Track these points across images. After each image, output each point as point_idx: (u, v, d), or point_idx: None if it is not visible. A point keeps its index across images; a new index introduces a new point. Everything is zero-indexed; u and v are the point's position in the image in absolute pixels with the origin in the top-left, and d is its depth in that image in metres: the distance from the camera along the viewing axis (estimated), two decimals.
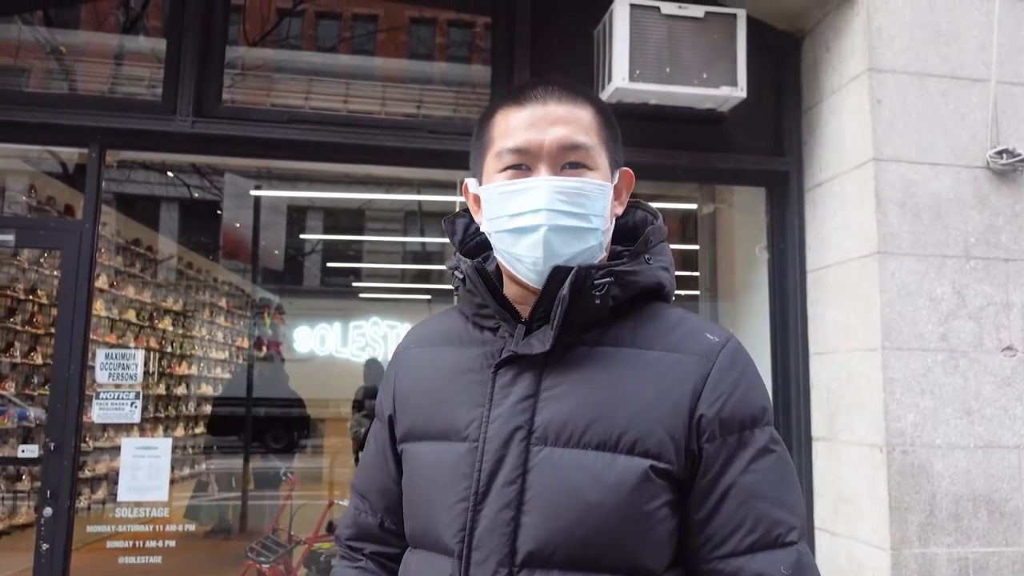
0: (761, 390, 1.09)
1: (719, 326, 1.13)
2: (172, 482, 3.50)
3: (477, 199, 1.16)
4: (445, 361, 1.15)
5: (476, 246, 1.22)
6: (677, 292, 1.18)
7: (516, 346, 1.07)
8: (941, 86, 3.22)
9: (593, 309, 1.06)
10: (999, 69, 3.23)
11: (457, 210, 1.26)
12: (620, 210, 1.18)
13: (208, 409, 7.75)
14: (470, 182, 1.18)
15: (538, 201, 1.05)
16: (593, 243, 1.08)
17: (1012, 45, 3.29)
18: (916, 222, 3.13)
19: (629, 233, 1.20)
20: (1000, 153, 3.17)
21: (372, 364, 6.26)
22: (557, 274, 1.06)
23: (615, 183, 1.15)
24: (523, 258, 1.08)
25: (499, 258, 1.14)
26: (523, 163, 1.09)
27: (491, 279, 1.13)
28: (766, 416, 1.06)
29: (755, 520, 1.01)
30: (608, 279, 1.06)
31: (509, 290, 1.14)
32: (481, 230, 1.16)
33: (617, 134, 1.17)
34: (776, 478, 1.04)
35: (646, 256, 1.12)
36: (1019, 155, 3.16)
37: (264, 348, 7.25)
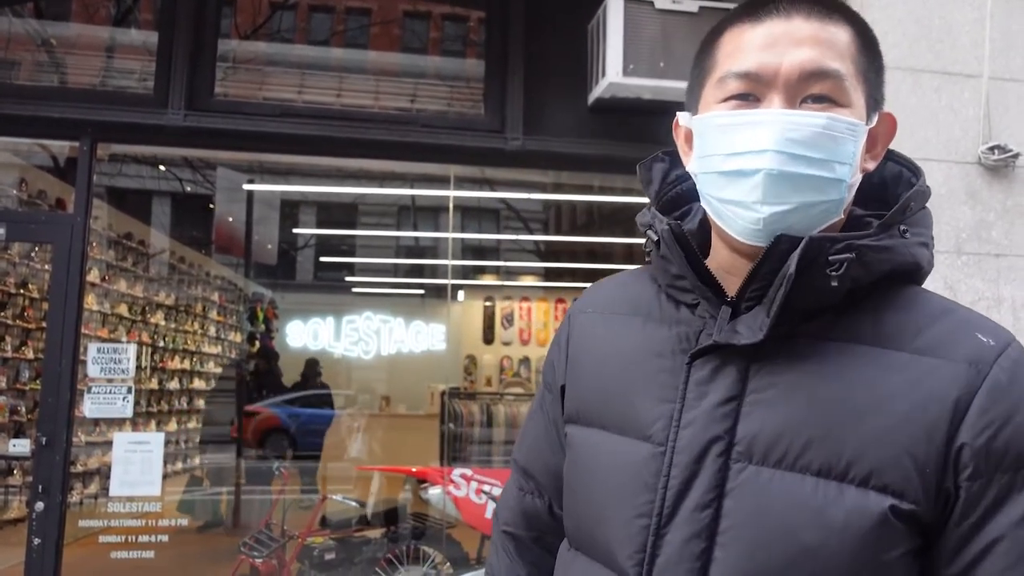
0: None
1: (996, 323, 0.85)
2: (164, 477, 3.49)
3: (688, 136, 0.93)
4: (629, 337, 0.94)
5: (675, 198, 0.99)
6: None
7: (718, 333, 0.85)
8: (934, 82, 3.23)
9: (824, 291, 0.81)
10: (991, 65, 3.24)
11: (657, 154, 1.01)
12: (872, 164, 0.91)
13: (201, 404, 7.74)
14: (682, 116, 0.95)
15: (765, 139, 0.81)
16: (834, 197, 0.83)
17: (1004, 41, 3.30)
18: None
19: (874, 192, 0.93)
20: (992, 149, 3.18)
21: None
22: (779, 243, 0.81)
23: (871, 127, 0.88)
24: (736, 202, 0.84)
25: (706, 208, 0.91)
26: (752, 92, 0.85)
27: (691, 246, 0.89)
28: None
29: None
30: (849, 255, 0.80)
31: (716, 255, 0.92)
32: (688, 170, 0.94)
33: (880, 64, 0.92)
34: None
35: (901, 227, 0.85)
36: (1011, 151, 3.18)
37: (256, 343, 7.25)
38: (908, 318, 0.84)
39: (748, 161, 0.83)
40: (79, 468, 5.17)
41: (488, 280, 8.84)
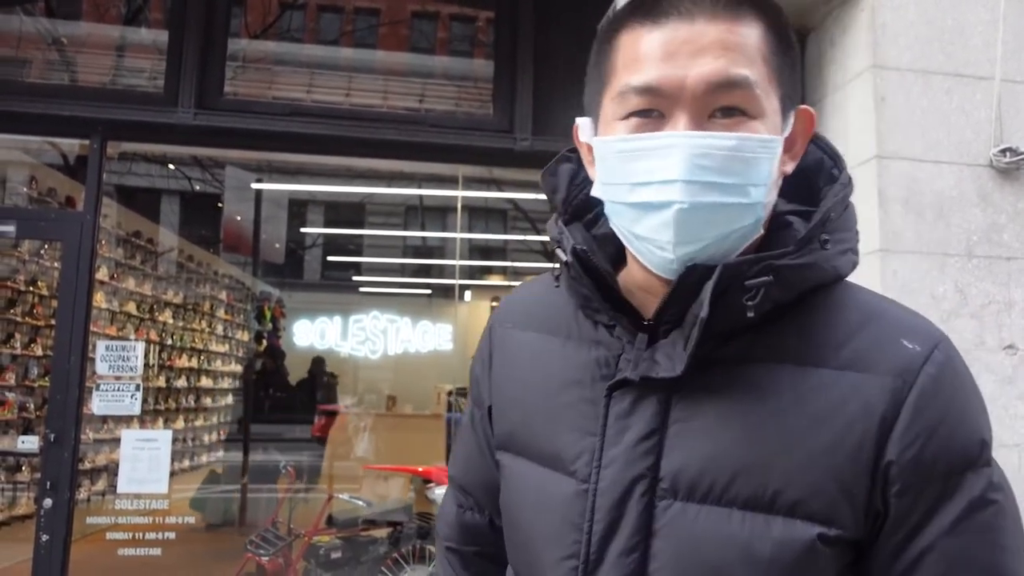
0: (979, 416, 0.78)
1: (924, 321, 0.81)
2: (173, 474, 3.50)
3: (591, 149, 0.85)
4: (548, 360, 0.90)
5: (586, 200, 0.90)
6: None
7: (635, 368, 0.80)
8: (945, 83, 3.21)
9: (745, 316, 0.76)
10: (1003, 67, 3.22)
11: (561, 153, 0.93)
12: (791, 166, 0.84)
13: (208, 402, 7.77)
14: (582, 124, 0.87)
15: (673, 169, 0.74)
16: (750, 221, 0.77)
17: (1017, 43, 3.28)
18: (919, 220, 3.13)
19: (798, 177, 0.86)
20: (1004, 151, 3.16)
21: None
22: (692, 274, 0.77)
23: (788, 133, 0.81)
24: (647, 239, 0.78)
25: (615, 231, 0.84)
26: (655, 108, 0.77)
27: (600, 272, 0.83)
28: (984, 454, 0.76)
29: None
30: (766, 279, 0.75)
31: (632, 271, 0.86)
32: (593, 193, 0.86)
33: (795, 58, 0.83)
34: (994, 540, 0.74)
35: (823, 238, 0.78)
36: (1022, 153, 3.15)
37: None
38: (832, 329, 0.79)
39: (655, 193, 0.76)
40: (87, 465, 5.20)
41: (495, 280, 8.84)
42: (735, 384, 0.78)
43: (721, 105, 0.76)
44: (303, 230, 9.70)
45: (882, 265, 3.07)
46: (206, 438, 7.61)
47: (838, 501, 0.74)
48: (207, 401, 7.83)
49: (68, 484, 3.16)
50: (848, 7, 3.38)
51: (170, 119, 3.35)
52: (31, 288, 5.92)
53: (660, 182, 0.75)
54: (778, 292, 0.77)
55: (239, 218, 6.84)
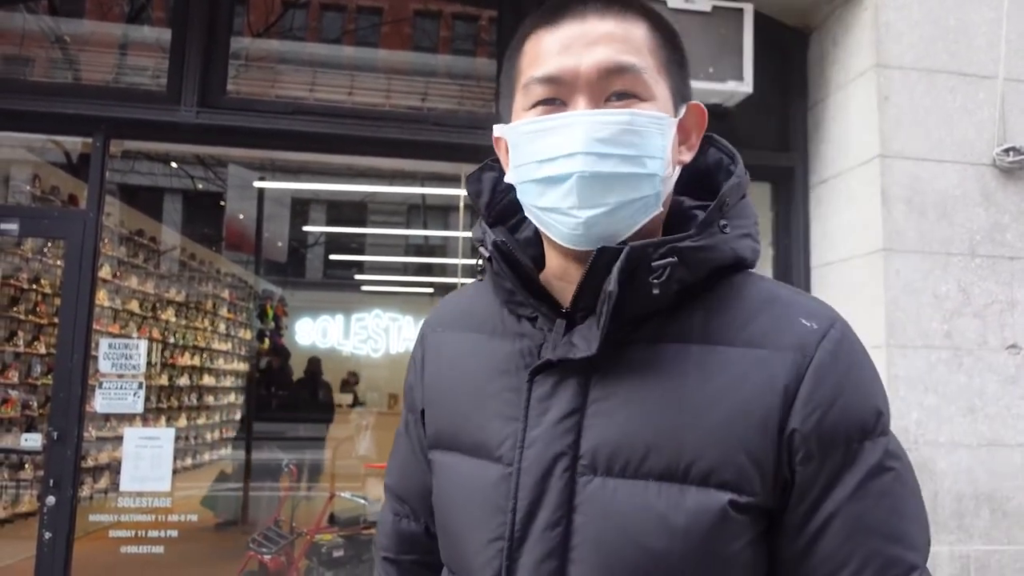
0: (875, 389, 0.84)
1: (820, 303, 0.87)
2: (175, 472, 3.51)
3: (508, 148, 0.92)
4: (477, 355, 0.94)
5: (508, 206, 0.97)
6: None
7: (554, 349, 0.86)
8: (949, 83, 3.21)
9: (653, 297, 0.82)
10: (1007, 66, 3.21)
11: (486, 162, 1.00)
12: (688, 156, 0.92)
13: (210, 400, 7.78)
14: (496, 127, 0.95)
15: (573, 143, 0.82)
16: (648, 192, 0.84)
17: (1021, 42, 3.27)
18: (922, 219, 3.12)
19: (701, 178, 0.94)
20: (1007, 151, 3.15)
21: None
22: (602, 256, 0.82)
23: (680, 118, 0.89)
24: (553, 209, 0.84)
25: (529, 216, 0.91)
26: (556, 96, 0.85)
27: (519, 261, 0.89)
28: (880, 423, 0.82)
29: (863, 560, 0.78)
30: (670, 259, 0.81)
31: (550, 262, 0.93)
32: (507, 180, 0.93)
33: (683, 57, 0.92)
34: (892, 504, 0.80)
35: (721, 223, 0.86)
36: None
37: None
38: (735, 311, 0.85)
39: (559, 166, 0.83)
40: (90, 463, 5.20)
41: None
42: (647, 364, 0.83)
43: (615, 90, 0.84)
44: (305, 228, 9.71)
45: (885, 264, 3.07)
46: (208, 436, 7.62)
47: (748, 469, 0.78)
48: (209, 399, 7.84)
49: (71, 482, 3.17)
50: (851, 6, 3.37)
51: (173, 117, 3.35)
52: (34, 286, 5.93)
53: (563, 156, 0.83)
54: (683, 272, 0.83)
55: (241, 216, 6.84)
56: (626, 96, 0.84)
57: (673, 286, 0.83)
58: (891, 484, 0.81)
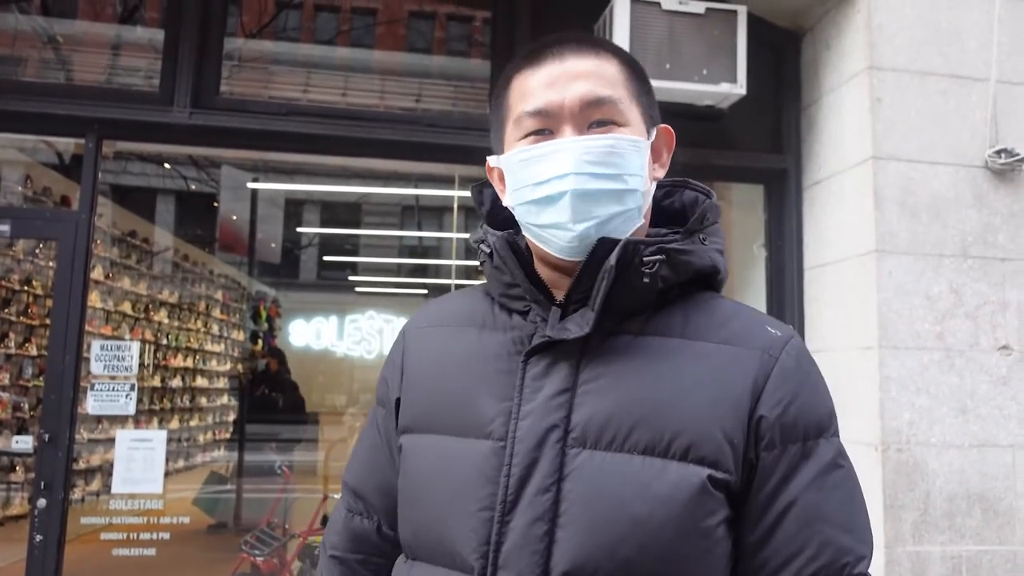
0: (827, 395, 0.96)
1: (777, 320, 1.01)
2: (168, 474, 3.49)
3: (502, 176, 1.04)
4: (464, 345, 1.02)
5: (505, 220, 1.06)
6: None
7: (550, 330, 0.94)
8: (941, 85, 3.22)
9: (640, 290, 0.93)
10: (999, 68, 3.23)
11: (487, 179, 1.11)
12: (661, 173, 1.05)
13: (203, 402, 7.75)
14: (490, 158, 1.06)
15: (564, 165, 0.93)
16: (632, 205, 0.96)
17: (1012, 45, 3.28)
18: (914, 221, 3.13)
19: (676, 216, 1.07)
20: (999, 152, 3.17)
21: None
22: (601, 247, 0.93)
23: (652, 140, 1.02)
24: (551, 225, 0.95)
25: (527, 235, 1.01)
26: (545, 127, 0.97)
27: (523, 253, 1.01)
28: (833, 425, 0.94)
29: (819, 546, 0.87)
30: (659, 257, 0.93)
31: (541, 272, 1.02)
32: (505, 204, 1.03)
33: (649, 87, 1.05)
34: (844, 498, 0.91)
35: (700, 236, 0.99)
36: (1018, 155, 3.16)
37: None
38: (711, 316, 0.97)
39: (554, 186, 0.94)
40: (81, 465, 5.18)
41: None
42: (634, 352, 0.94)
43: (595, 119, 0.96)
44: (299, 230, 9.68)
45: (877, 266, 3.08)
46: (201, 438, 7.59)
47: (723, 447, 0.88)
48: (202, 401, 7.81)
49: (62, 484, 3.15)
50: (843, 8, 3.38)
51: (166, 118, 3.34)
52: (26, 287, 5.90)
53: (556, 177, 0.94)
54: (668, 271, 0.95)
55: (235, 218, 6.83)
56: (605, 123, 0.97)
57: (658, 282, 0.94)
58: (843, 479, 0.92)
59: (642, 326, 0.95)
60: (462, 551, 0.91)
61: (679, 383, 0.91)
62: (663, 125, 1.05)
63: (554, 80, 0.97)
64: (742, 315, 0.98)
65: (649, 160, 1.00)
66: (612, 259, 0.91)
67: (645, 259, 0.92)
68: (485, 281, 1.07)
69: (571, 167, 0.93)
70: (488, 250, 1.01)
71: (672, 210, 1.08)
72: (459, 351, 1.02)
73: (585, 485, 0.88)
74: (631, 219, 0.96)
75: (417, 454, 1.00)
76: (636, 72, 1.02)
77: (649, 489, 0.86)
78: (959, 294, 3.12)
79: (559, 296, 0.98)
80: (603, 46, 1.02)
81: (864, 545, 0.90)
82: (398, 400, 1.06)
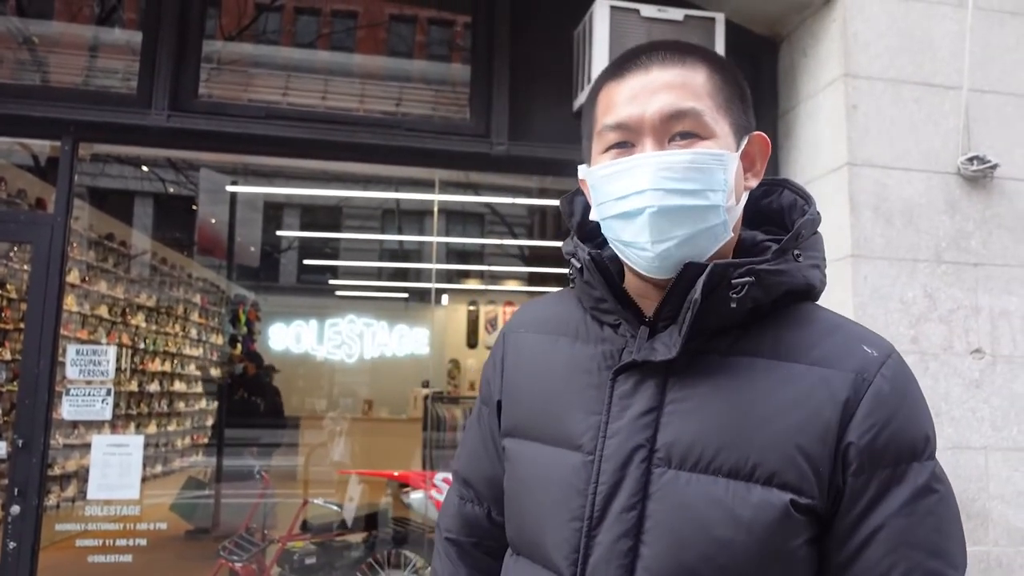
0: (925, 417, 0.92)
1: (879, 336, 0.96)
2: (145, 480, 3.46)
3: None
4: (559, 355, 1.03)
5: (596, 227, 1.05)
6: None
7: (638, 351, 0.95)
8: (915, 93, 3.27)
9: (729, 312, 0.92)
10: (971, 77, 3.29)
11: (578, 188, 1.11)
12: (754, 182, 1.02)
13: (181, 407, 7.68)
14: (580, 169, 1.05)
15: (642, 181, 0.92)
16: (715, 222, 0.93)
17: (984, 54, 3.35)
18: (888, 226, 3.18)
19: (775, 216, 1.05)
20: (971, 160, 3.22)
21: None
22: (688, 271, 0.92)
23: (743, 149, 0.98)
24: (631, 244, 0.95)
25: (613, 247, 1.01)
26: (627, 140, 0.96)
27: (610, 271, 1.00)
28: (929, 448, 0.90)
29: (905, 570, 0.86)
30: (748, 279, 0.90)
31: (630, 282, 1.02)
32: (591, 218, 1.03)
33: (744, 92, 1.01)
34: (936, 523, 0.87)
35: (795, 252, 0.96)
36: (989, 162, 3.22)
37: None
38: (804, 334, 0.94)
39: (632, 202, 0.93)
40: (56, 471, 5.11)
41: (472, 284, 8.83)
42: (721, 372, 0.92)
43: (677, 131, 0.94)
44: (279, 233, 9.63)
45: (853, 271, 3.12)
46: (179, 443, 7.51)
47: (807, 474, 0.86)
48: (180, 405, 7.73)
49: (36, 490, 3.11)
50: (819, 17, 3.43)
51: (143, 121, 3.31)
52: (0, 291, 5.82)
53: (635, 193, 0.92)
54: (758, 292, 0.92)
55: (214, 221, 6.77)
56: (688, 136, 0.94)
57: (748, 304, 0.92)
58: (936, 504, 0.88)
59: (731, 345, 0.94)
60: (555, 556, 0.94)
61: (765, 407, 0.89)
62: (757, 132, 1.02)
63: (637, 93, 0.96)
64: (838, 333, 0.94)
65: (739, 171, 0.97)
66: (698, 291, 0.89)
67: (733, 282, 0.90)
68: (577, 292, 1.07)
69: (649, 183, 0.91)
70: (579, 264, 1.02)
71: (770, 210, 1.06)
72: (553, 361, 1.04)
73: (669, 505, 0.89)
74: (716, 236, 0.94)
75: (519, 459, 1.04)
76: (728, 78, 0.99)
77: (733, 512, 0.86)
78: (933, 298, 3.17)
79: (648, 309, 0.98)
80: (692, 53, 0.98)
81: (955, 571, 0.87)
82: (499, 402, 1.10)
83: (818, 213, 1.00)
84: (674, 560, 0.87)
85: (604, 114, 0.99)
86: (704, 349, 0.93)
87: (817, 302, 1.01)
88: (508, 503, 1.06)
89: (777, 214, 1.05)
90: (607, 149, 0.98)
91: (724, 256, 0.97)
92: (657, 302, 0.96)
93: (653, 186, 0.91)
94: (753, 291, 0.91)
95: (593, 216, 1.02)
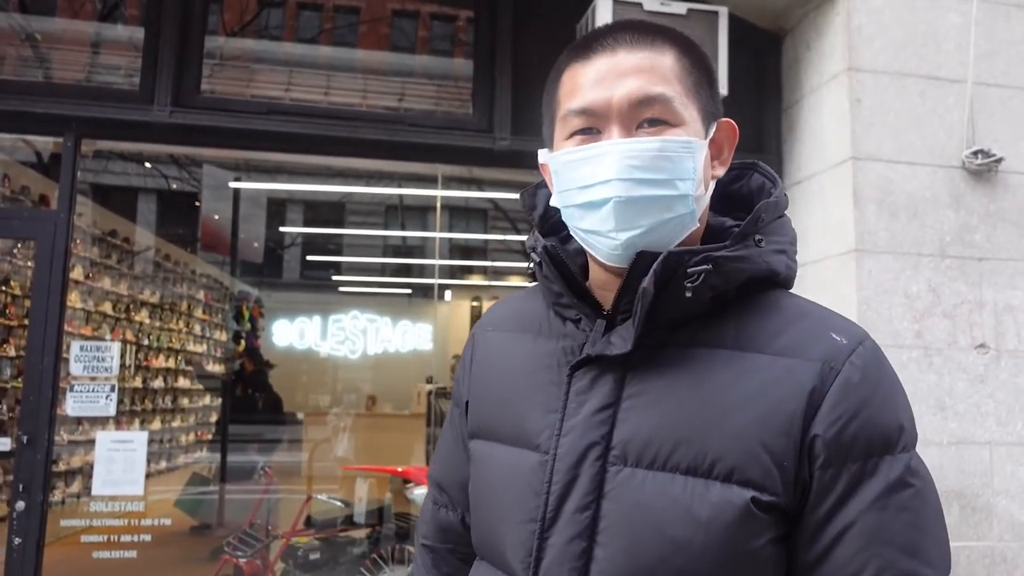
0: (899, 407, 0.87)
1: (851, 322, 0.91)
2: (149, 476, 3.47)
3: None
4: (521, 353, 1.00)
5: (559, 222, 1.01)
6: None
7: (592, 346, 0.91)
8: (919, 86, 3.26)
9: (688, 302, 0.88)
10: (976, 70, 3.27)
11: (541, 181, 1.06)
12: (721, 170, 0.97)
13: (185, 403, 7.70)
14: (541, 153, 1.00)
15: (608, 170, 0.87)
16: (683, 211, 0.89)
17: (988, 47, 3.33)
18: (893, 220, 3.17)
19: (746, 201, 1.00)
20: (976, 153, 3.21)
21: None
22: (640, 260, 0.88)
23: (711, 137, 0.94)
24: (594, 231, 0.90)
25: (575, 236, 0.97)
26: (592, 126, 0.91)
27: (567, 265, 0.95)
28: (903, 440, 0.85)
29: (877, 570, 0.80)
30: (705, 267, 0.86)
31: (594, 274, 0.98)
32: (552, 204, 0.99)
33: (712, 76, 0.96)
34: (911, 519, 0.82)
35: (756, 237, 0.91)
36: (994, 155, 3.21)
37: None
38: (769, 323, 0.89)
39: (596, 192, 0.88)
40: (61, 467, 5.13)
41: (475, 280, 8.83)
42: (680, 365, 0.88)
43: (645, 118, 0.90)
44: (282, 229, 9.63)
45: (857, 265, 3.11)
46: (183, 439, 7.53)
47: (770, 469, 0.82)
48: (184, 402, 7.75)
49: (41, 486, 3.12)
50: (823, 10, 3.41)
51: (146, 117, 3.31)
52: (3, 287, 5.83)
53: (600, 182, 0.88)
54: (717, 280, 0.87)
55: (217, 217, 6.77)
56: (657, 123, 0.90)
57: (707, 292, 0.88)
58: (911, 499, 0.83)
59: (692, 337, 0.89)
60: (512, 560, 0.91)
61: (725, 400, 0.84)
62: (725, 119, 0.97)
63: (603, 76, 0.90)
64: (805, 320, 0.89)
65: (707, 158, 0.93)
66: (647, 281, 0.85)
67: (689, 271, 0.86)
68: (540, 287, 1.03)
69: (615, 172, 0.87)
70: (538, 259, 0.97)
71: (740, 195, 1.01)
72: (517, 359, 1.01)
73: (625, 504, 0.85)
74: (682, 225, 0.90)
75: (482, 461, 1.01)
76: (697, 62, 0.95)
77: (690, 511, 0.82)
78: (937, 293, 3.16)
79: (609, 302, 0.94)
80: (660, 34, 0.94)
81: (931, 569, 0.81)
82: (467, 403, 1.07)
83: (784, 195, 0.96)
84: (630, 562, 0.83)
85: (568, 98, 0.93)
86: (664, 342, 0.89)
87: (791, 289, 0.96)
88: (472, 507, 1.03)
89: (748, 198, 1.00)
90: (571, 135, 0.93)
91: (692, 244, 0.92)
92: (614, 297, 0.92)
93: (619, 175, 0.87)
94: (711, 279, 0.87)
95: (554, 203, 0.97)
